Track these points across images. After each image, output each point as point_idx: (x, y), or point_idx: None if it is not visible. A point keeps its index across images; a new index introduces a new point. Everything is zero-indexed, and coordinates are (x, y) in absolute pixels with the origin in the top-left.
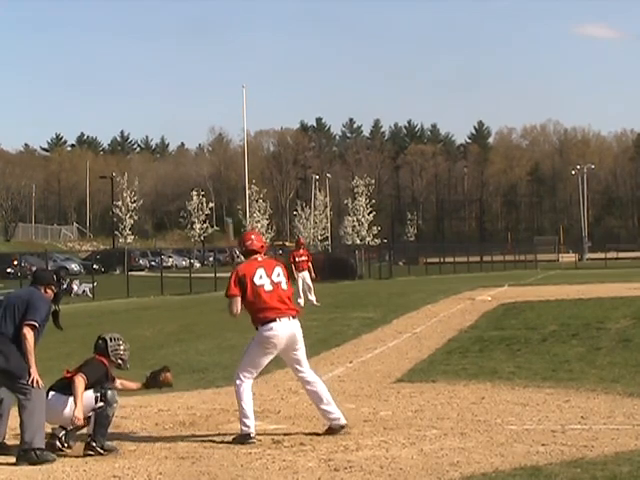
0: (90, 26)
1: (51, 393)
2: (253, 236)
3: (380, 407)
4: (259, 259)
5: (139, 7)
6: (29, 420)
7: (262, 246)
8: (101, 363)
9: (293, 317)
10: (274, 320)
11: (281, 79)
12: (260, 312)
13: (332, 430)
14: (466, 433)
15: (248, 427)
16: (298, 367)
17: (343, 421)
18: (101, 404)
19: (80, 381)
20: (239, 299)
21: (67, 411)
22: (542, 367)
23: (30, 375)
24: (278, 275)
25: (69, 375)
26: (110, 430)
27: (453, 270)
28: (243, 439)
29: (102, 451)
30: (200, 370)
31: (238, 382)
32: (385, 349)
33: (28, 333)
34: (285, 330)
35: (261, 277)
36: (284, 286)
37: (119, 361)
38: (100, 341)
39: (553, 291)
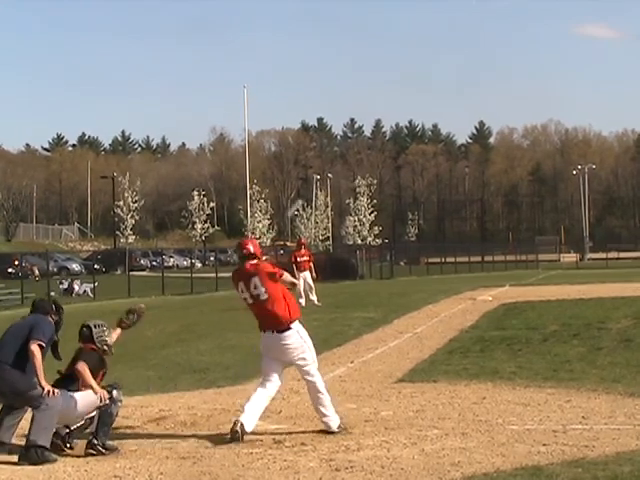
0: (90, 26)
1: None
2: (250, 245)
3: (381, 407)
4: (246, 266)
5: (139, 7)
6: (39, 419)
7: (254, 252)
8: (92, 350)
9: (278, 331)
10: (260, 331)
11: (282, 79)
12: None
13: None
14: (467, 433)
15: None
16: (301, 375)
17: (333, 428)
18: (106, 402)
19: (84, 367)
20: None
21: (71, 410)
22: (543, 367)
23: (43, 389)
24: (255, 287)
25: (66, 372)
26: (111, 430)
27: (454, 270)
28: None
29: (103, 450)
30: (201, 370)
31: (258, 387)
32: (386, 349)
33: (35, 350)
34: (266, 344)
35: (242, 291)
36: (263, 297)
37: (104, 347)
38: (85, 329)
39: (554, 291)
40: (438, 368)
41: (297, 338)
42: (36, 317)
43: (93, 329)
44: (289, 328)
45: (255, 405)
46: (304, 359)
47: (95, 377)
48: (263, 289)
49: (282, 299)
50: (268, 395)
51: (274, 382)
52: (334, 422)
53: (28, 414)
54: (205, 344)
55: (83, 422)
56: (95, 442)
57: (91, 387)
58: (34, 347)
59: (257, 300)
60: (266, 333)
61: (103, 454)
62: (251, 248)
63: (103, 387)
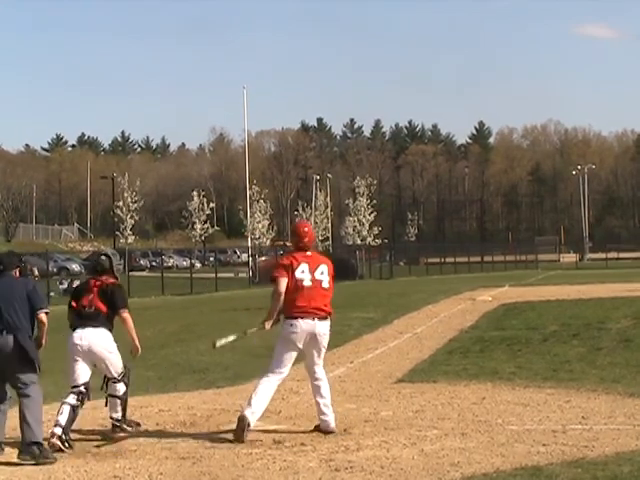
0: (90, 26)
1: (102, 330)
2: (306, 229)
3: (381, 407)
4: (308, 254)
5: (139, 7)
6: (31, 415)
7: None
8: (119, 286)
9: (319, 318)
10: (296, 318)
11: (282, 79)
12: (290, 305)
13: (320, 429)
14: (467, 433)
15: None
16: (312, 365)
17: (332, 426)
18: (124, 387)
19: (130, 317)
20: (286, 280)
21: (110, 357)
22: (543, 367)
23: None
24: (322, 273)
25: (105, 308)
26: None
27: (454, 270)
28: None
29: (130, 429)
30: (201, 370)
31: (263, 379)
32: (386, 349)
33: (45, 319)
34: (304, 329)
35: (303, 272)
36: (325, 285)
37: (117, 274)
38: (104, 257)
39: (554, 291)
40: (438, 368)
41: (328, 330)
42: (27, 283)
43: (112, 258)
44: (329, 318)
45: (263, 398)
46: (325, 349)
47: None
48: (328, 278)
49: (331, 295)
50: (274, 388)
51: (284, 373)
52: (332, 422)
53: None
54: (205, 344)
55: (74, 415)
56: (123, 425)
57: (133, 340)
58: (44, 317)
59: (318, 285)
60: (305, 320)
61: (130, 432)
62: (314, 237)
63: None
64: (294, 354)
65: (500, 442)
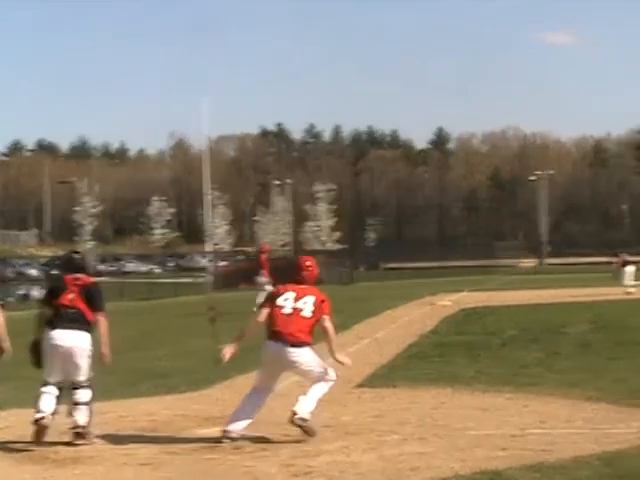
0: (53, 27)
1: (83, 333)
2: (308, 263)
3: (341, 412)
4: (302, 286)
5: (104, 7)
6: None
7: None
8: (96, 285)
9: (292, 344)
10: (270, 340)
11: (242, 83)
12: (268, 329)
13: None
14: (426, 438)
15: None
16: (311, 378)
17: (300, 411)
18: (90, 392)
19: (105, 322)
20: (265, 310)
21: (89, 361)
22: (502, 372)
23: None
24: (304, 303)
25: (86, 310)
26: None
27: (413, 275)
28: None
29: (93, 437)
30: (161, 376)
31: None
32: (345, 354)
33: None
34: (275, 352)
35: (287, 299)
36: (305, 314)
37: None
38: (77, 255)
39: (513, 296)
40: (398, 373)
41: (307, 355)
42: None
43: (85, 257)
44: (304, 346)
45: (241, 410)
46: (314, 366)
47: None
48: (312, 308)
49: (312, 328)
50: (255, 402)
51: (265, 389)
52: (302, 408)
53: None
54: (165, 349)
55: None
56: (88, 434)
57: (105, 345)
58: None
59: (297, 312)
60: (276, 343)
61: (93, 440)
62: (315, 273)
63: None
64: (272, 373)
65: (459, 447)
